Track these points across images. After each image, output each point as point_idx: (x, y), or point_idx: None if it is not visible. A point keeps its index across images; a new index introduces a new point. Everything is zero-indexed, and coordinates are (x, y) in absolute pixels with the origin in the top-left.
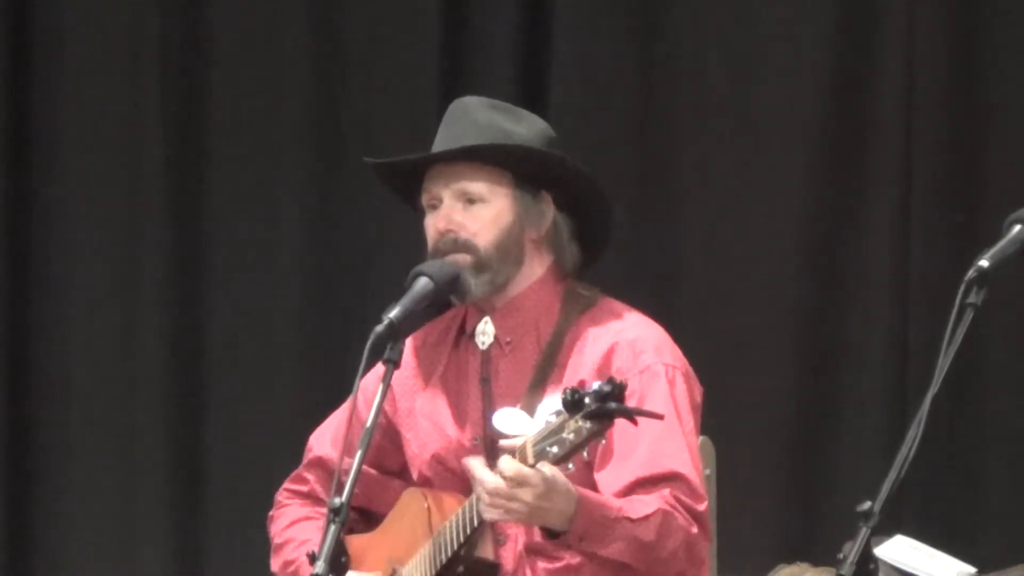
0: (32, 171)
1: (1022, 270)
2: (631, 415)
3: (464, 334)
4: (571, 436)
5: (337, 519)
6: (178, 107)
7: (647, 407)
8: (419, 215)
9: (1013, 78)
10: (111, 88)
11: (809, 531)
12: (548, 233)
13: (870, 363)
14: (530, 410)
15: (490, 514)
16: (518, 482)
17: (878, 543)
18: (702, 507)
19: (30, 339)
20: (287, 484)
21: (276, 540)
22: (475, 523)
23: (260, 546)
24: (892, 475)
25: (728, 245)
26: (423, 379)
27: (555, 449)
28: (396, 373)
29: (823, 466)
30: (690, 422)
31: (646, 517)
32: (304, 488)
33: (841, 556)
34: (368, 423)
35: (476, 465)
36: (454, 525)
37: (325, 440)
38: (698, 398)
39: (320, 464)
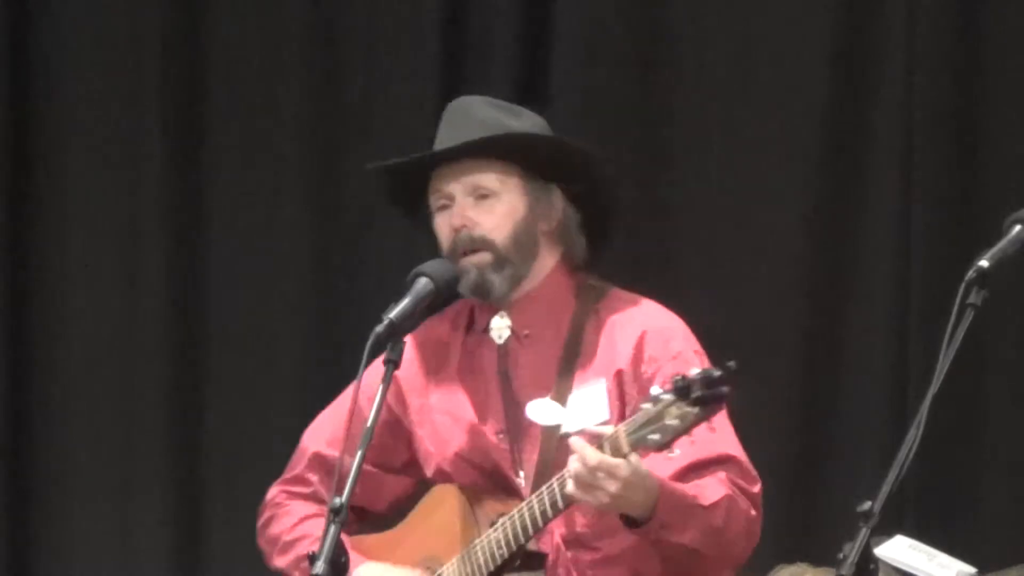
0: (32, 170)
1: (1022, 270)
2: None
3: (473, 329)
4: (675, 422)
5: (337, 519)
6: (178, 106)
7: None
8: (418, 223)
9: (1013, 78)
10: (111, 87)
11: (809, 531)
12: (559, 225)
13: (870, 363)
14: (561, 400)
15: (579, 494)
16: (607, 472)
17: (878, 543)
18: (756, 489)
19: (30, 338)
20: (285, 486)
21: (285, 538)
22: (559, 506)
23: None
24: (892, 475)
25: (728, 246)
26: (435, 375)
27: (656, 436)
28: (403, 370)
29: (823, 466)
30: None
31: (716, 504)
32: (306, 489)
33: (841, 556)
34: (368, 423)
35: (580, 443)
36: (527, 513)
37: (321, 439)
38: None
39: (322, 463)
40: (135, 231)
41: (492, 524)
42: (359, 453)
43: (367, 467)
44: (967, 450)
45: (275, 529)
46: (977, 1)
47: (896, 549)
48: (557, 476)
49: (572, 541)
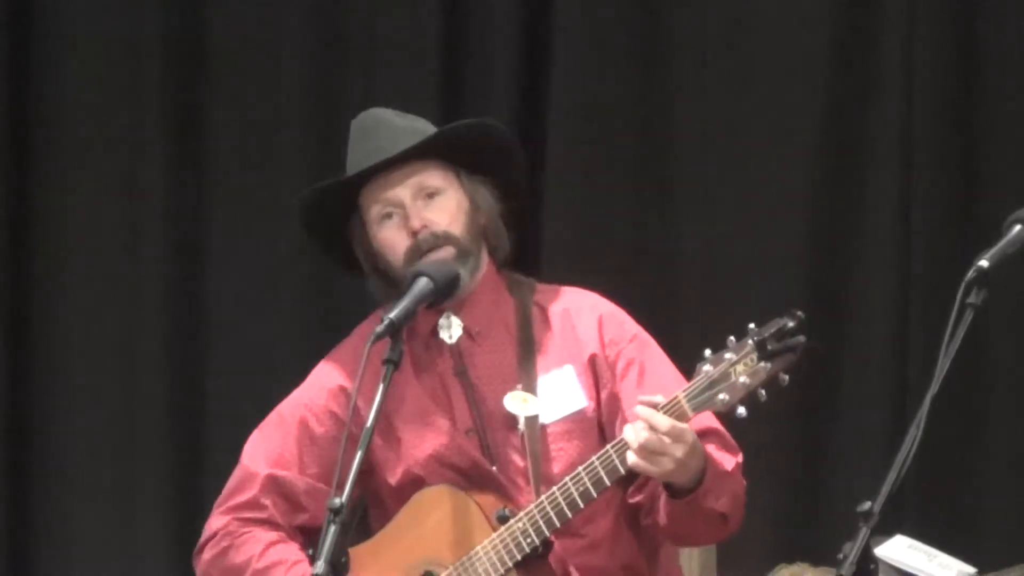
0: (32, 171)
1: (1022, 270)
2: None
3: (414, 333)
4: (745, 380)
5: (337, 519)
6: (178, 106)
7: (651, 372)
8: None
9: (1013, 78)
10: (111, 87)
11: (809, 531)
12: (489, 219)
13: (870, 363)
14: (531, 391)
15: (643, 463)
16: (675, 437)
17: (878, 543)
18: (740, 459)
19: (30, 339)
20: (236, 512)
21: (256, 564)
22: (605, 483)
23: None
24: (892, 475)
25: (728, 246)
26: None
27: (724, 396)
28: (351, 385)
29: (823, 466)
30: None
31: (734, 471)
32: (262, 515)
33: (841, 556)
34: (369, 423)
35: (648, 411)
36: (562, 498)
37: (265, 460)
38: None
39: (275, 486)
40: (135, 231)
41: (501, 518)
42: (359, 454)
43: (319, 485)
44: (967, 450)
45: (238, 558)
46: (977, 2)
47: (896, 549)
48: (599, 455)
49: (561, 530)
